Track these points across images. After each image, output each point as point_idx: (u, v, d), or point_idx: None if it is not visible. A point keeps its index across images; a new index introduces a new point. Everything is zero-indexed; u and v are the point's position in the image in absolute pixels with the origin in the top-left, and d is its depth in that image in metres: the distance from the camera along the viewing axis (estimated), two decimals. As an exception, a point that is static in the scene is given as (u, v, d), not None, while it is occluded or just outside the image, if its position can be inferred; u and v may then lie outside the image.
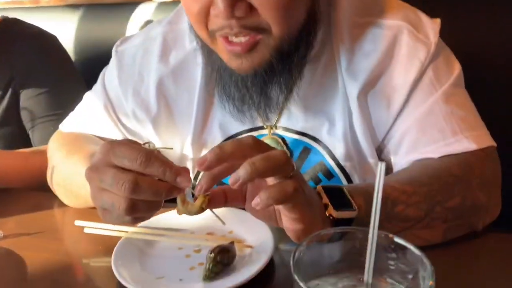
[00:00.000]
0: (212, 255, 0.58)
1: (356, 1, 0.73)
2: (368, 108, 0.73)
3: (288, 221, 0.50)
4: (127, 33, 1.30)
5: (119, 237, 0.65)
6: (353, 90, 0.71)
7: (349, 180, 0.76)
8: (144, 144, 0.52)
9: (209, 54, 0.71)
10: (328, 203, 0.52)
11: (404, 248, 0.34)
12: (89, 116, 0.85)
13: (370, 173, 0.75)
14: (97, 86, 0.86)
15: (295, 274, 0.32)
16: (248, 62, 0.63)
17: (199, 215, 0.55)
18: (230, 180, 0.47)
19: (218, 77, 0.71)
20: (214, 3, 0.58)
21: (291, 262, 0.33)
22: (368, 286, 0.34)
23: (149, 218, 0.57)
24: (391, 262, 0.35)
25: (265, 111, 0.74)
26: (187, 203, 0.52)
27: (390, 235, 0.35)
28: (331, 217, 0.52)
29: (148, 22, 1.26)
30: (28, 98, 1.05)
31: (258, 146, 0.49)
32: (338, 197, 0.53)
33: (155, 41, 0.80)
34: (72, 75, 1.12)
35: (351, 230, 0.37)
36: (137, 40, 0.83)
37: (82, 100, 0.88)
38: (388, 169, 0.78)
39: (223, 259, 0.58)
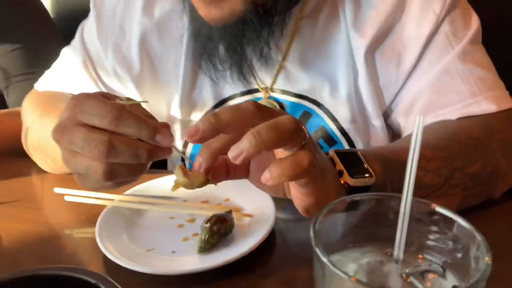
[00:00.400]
0: (208, 225, 0.52)
1: None
2: (376, 67, 0.66)
3: (298, 196, 0.44)
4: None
5: (104, 206, 0.59)
6: (359, 46, 0.65)
7: (352, 146, 0.70)
8: (116, 99, 0.44)
9: (184, 2, 0.64)
10: (343, 169, 0.46)
11: (448, 219, 0.28)
12: (67, 74, 0.77)
13: (375, 138, 0.70)
14: (75, 41, 0.78)
15: (317, 247, 0.27)
16: (217, 12, 0.56)
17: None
18: (230, 153, 0.39)
19: (196, 29, 0.64)
20: None
21: (311, 234, 0.28)
22: (399, 263, 0.29)
23: (133, 181, 0.50)
24: (431, 237, 0.29)
25: (252, 71, 0.67)
26: (189, 174, 0.44)
27: (433, 205, 0.29)
28: (346, 185, 0.46)
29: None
30: (1, 55, 0.96)
31: (262, 112, 0.41)
32: (353, 162, 0.47)
33: None
34: (49, 30, 1.02)
35: (380, 197, 0.32)
36: None
37: (59, 57, 0.80)
38: (395, 136, 0.72)
39: (220, 229, 0.52)
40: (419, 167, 0.51)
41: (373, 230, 0.31)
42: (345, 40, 0.66)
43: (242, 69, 0.67)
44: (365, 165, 0.48)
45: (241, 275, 0.50)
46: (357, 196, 0.32)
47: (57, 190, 0.63)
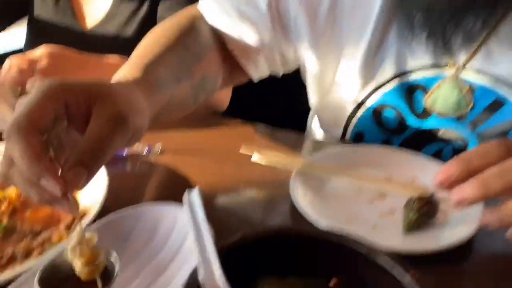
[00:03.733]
0: (417, 205, 0.50)
1: None
2: None
3: None
4: None
5: (287, 172, 0.59)
6: None
7: None
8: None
9: None
10: None
11: None
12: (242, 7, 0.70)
13: None
14: None
15: None
16: None
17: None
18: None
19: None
20: None
21: None
22: None
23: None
24: None
25: (452, 45, 0.60)
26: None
27: None
28: None
29: None
30: (167, 10, 0.96)
31: None
32: None
33: None
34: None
35: None
36: None
37: None
38: None
39: (428, 211, 0.51)
40: None
41: None
42: None
43: (443, 42, 0.60)
44: None
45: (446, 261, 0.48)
46: None
47: (243, 150, 0.64)
